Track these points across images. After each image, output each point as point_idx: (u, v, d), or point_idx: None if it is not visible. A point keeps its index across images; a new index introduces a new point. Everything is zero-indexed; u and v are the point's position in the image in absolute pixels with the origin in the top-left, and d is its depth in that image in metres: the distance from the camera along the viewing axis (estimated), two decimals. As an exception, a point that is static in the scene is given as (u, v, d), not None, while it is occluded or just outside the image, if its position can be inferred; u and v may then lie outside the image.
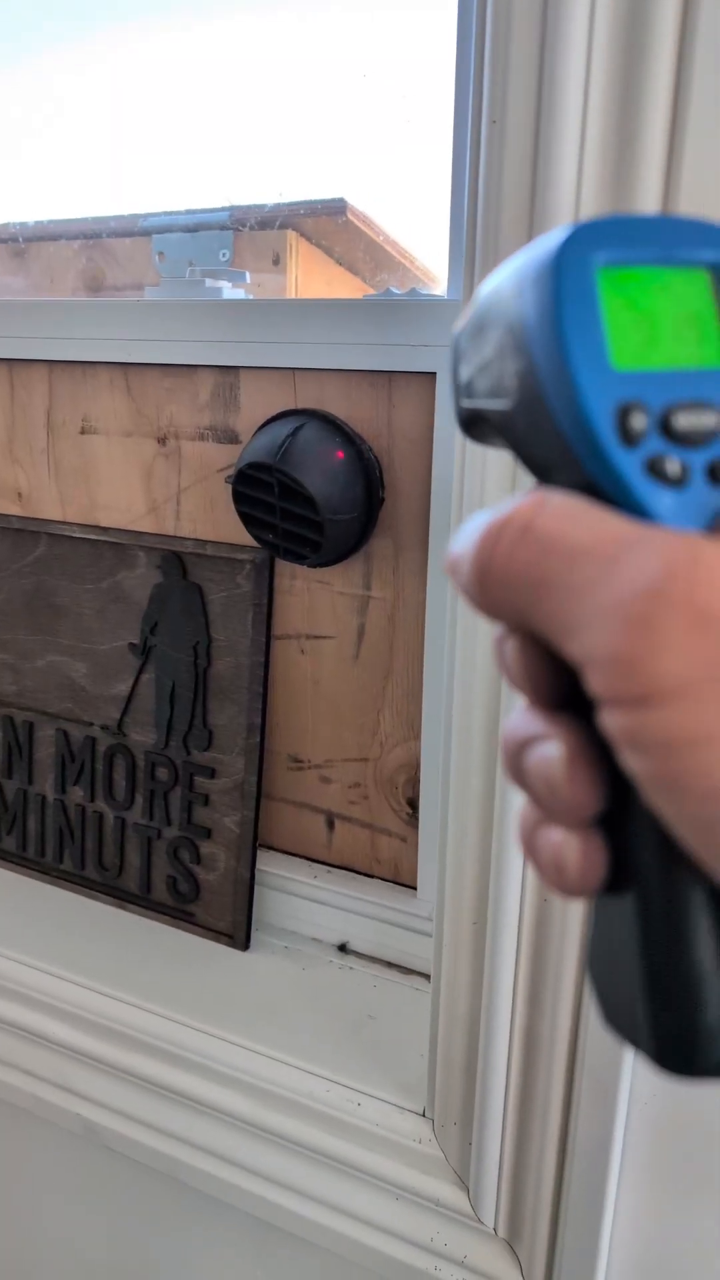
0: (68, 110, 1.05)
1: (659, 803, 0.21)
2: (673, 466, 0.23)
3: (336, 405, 0.80)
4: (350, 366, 0.78)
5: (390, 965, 0.88)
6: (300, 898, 0.91)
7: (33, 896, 0.99)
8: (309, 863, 0.92)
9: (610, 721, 0.21)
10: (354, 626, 0.85)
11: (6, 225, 1.11)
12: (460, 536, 0.25)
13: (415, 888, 0.87)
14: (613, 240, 0.24)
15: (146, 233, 1.02)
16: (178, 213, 1.00)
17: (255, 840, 0.89)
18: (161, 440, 0.89)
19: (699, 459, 0.23)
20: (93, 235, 1.06)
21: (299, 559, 0.79)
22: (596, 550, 0.21)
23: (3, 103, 1.08)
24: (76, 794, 0.98)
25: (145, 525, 0.92)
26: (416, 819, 0.86)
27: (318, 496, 0.74)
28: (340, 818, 0.90)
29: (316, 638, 0.86)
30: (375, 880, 0.90)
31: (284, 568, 0.86)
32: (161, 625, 0.91)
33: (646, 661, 0.20)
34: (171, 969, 0.88)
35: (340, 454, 0.77)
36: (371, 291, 1.03)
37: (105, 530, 0.93)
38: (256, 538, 0.80)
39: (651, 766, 0.20)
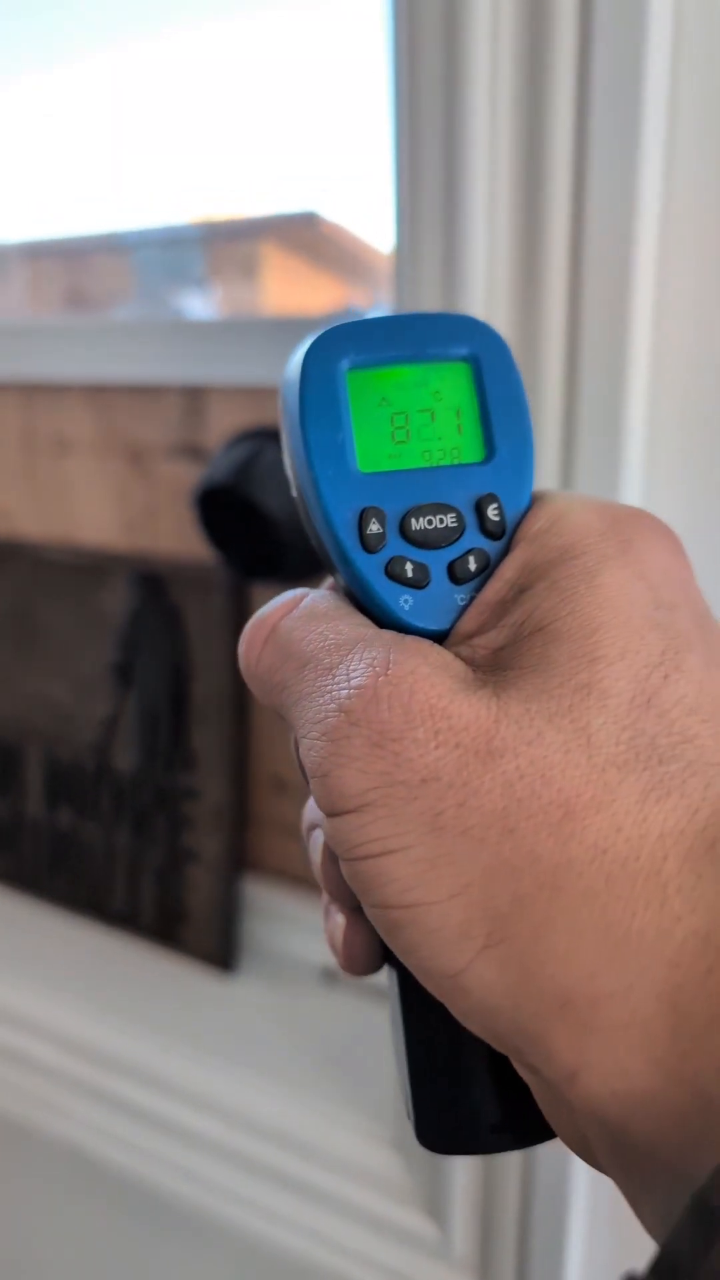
0: (46, 129, 1.05)
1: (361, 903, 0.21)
2: (410, 569, 0.23)
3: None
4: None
5: (375, 990, 0.87)
6: (287, 921, 0.90)
7: (26, 918, 0.99)
8: (295, 886, 0.91)
9: (324, 825, 0.21)
10: (328, 645, 0.83)
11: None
12: None
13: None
14: (362, 341, 0.23)
15: (124, 249, 1.02)
16: (154, 229, 1.00)
17: (240, 864, 0.89)
18: (134, 460, 0.88)
19: (439, 559, 0.23)
20: (73, 253, 1.06)
21: (265, 579, 0.78)
22: (319, 658, 0.21)
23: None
24: (65, 816, 0.98)
25: (122, 545, 0.91)
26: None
27: (278, 517, 0.73)
28: (324, 837, 0.89)
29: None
30: (360, 900, 0.88)
31: (259, 587, 0.85)
32: (141, 646, 0.90)
33: (332, 777, 0.20)
34: (157, 993, 0.87)
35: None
36: (352, 293, 1.02)
37: (83, 552, 0.93)
38: (222, 558, 0.79)
39: (345, 871, 0.21)
